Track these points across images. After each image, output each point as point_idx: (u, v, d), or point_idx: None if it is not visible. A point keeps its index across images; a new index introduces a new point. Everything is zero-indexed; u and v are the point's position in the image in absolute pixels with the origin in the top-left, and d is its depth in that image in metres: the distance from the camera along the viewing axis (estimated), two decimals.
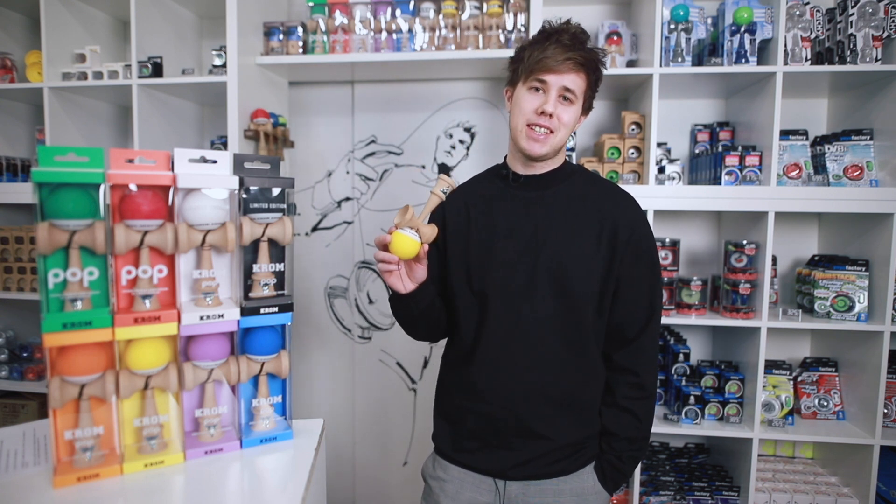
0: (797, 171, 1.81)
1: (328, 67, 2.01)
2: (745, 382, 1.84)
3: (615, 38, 1.87)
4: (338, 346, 2.36)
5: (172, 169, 0.88)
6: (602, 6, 2.10)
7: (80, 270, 0.81)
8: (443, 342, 1.27)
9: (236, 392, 0.96)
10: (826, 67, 1.71)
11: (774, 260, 2.00)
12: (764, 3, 1.76)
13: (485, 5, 1.87)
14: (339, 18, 1.91)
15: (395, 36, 1.90)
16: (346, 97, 2.28)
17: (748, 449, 1.78)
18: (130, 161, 0.85)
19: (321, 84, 2.28)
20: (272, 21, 1.99)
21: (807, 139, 1.86)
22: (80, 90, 2.05)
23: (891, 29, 1.69)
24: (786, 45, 1.73)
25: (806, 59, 1.74)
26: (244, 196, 0.92)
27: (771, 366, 1.91)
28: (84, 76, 1.95)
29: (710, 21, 1.86)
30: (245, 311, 0.93)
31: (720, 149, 1.83)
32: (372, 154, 2.29)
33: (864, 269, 1.78)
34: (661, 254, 1.88)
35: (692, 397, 1.83)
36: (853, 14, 1.71)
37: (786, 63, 1.72)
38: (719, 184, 1.79)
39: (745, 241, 1.79)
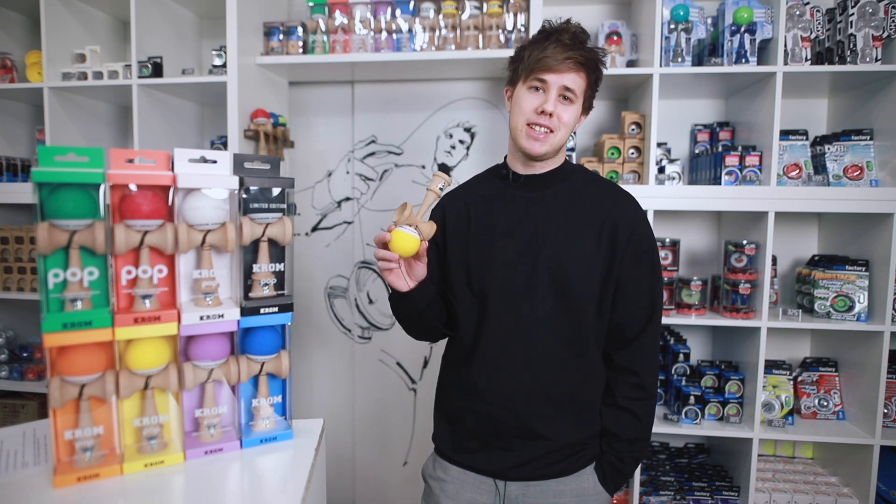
0: (797, 171, 1.81)
1: (328, 67, 2.01)
2: (745, 382, 1.84)
3: (615, 38, 1.87)
4: (338, 346, 2.36)
5: (172, 169, 0.88)
6: (602, 6, 2.10)
7: (80, 270, 0.81)
8: (443, 342, 1.27)
9: (236, 392, 0.96)
10: (826, 67, 1.71)
11: (774, 260, 2.00)
12: (764, 3, 1.76)
13: (485, 5, 1.87)
14: (339, 18, 1.91)
15: (395, 36, 1.90)
16: (346, 97, 2.28)
17: (748, 449, 1.78)
18: (130, 161, 0.85)
19: (321, 84, 2.28)
20: (272, 21, 1.99)
21: (807, 139, 1.86)
22: (80, 90, 2.05)
23: (891, 29, 1.69)
24: (786, 45, 1.73)
25: (806, 59, 1.74)
26: (244, 196, 0.92)
27: (771, 366, 1.91)
28: (84, 76, 1.95)
29: (710, 21, 1.86)
30: (245, 311, 0.92)
31: (720, 149, 1.83)
32: (372, 154, 2.29)
33: (864, 269, 1.78)
34: (661, 254, 1.88)
35: (692, 397, 1.83)
36: (853, 14, 1.71)
37: (786, 63, 1.72)
38: (719, 184, 1.79)
39: (745, 241, 1.79)
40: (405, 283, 1.07)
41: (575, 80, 1.07)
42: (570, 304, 1.10)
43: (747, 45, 1.72)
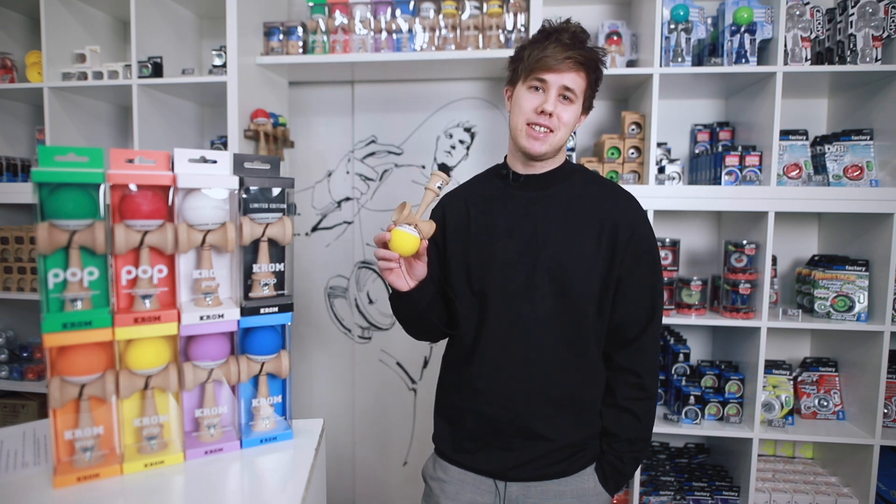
0: (797, 171, 1.81)
1: (328, 67, 2.01)
2: (745, 382, 1.84)
3: (615, 38, 1.87)
4: (338, 346, 2.36)
5: (172, 169, 0.88)
6: (602, 6, 2.10)
7: (80, 270, 0.81)
8: (443, 343, 1.27)
9: (236, 392, 0.96)
10: (826, 67, 1.71)
11: (774, 260, 2.00)
12: (764, 3, 1.76)
13: (485, 5, 1.87)
14: (339, 18, 1.91)
15: (395, 36, 1.90)
16: (346, 97, 2.28)
17: (748, 449, 1.78)
18: (130, 161, 0.85)
19: (321, 84, 2.28)
20: (272, 21, 1.99)
21: (807, 139, 1.86)
22: (80, 90, 2.05)
23: (891, 29, 1.69)
24: (786, 45, 1.73)
25: (806, 59, 1.74)
26: (244, 196, 0.92)
27: (771, 366, 1.91)
28: (84, 76, 1.95)
29: (710, 21, 1.86)
30: (245, 311, 0.92)
31: (720, 149, 1.83)
32: (372, 154, 2.29)
33: (864, 269, 1.78)
34: (661, 254, 1.88)
35: (692, 397, 1.83)
36: (853, 14, 1.71)
37: (786, 63, 1.72)
38: (719, 184, 1.79)
39: (745, 241, 1.79)
40: (405, 283, 1.07)
41: (575, 80, 1.07)
42: (570, 304, 1.10)
43: (747, 45, 1.72)
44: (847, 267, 1.79)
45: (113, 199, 0.84)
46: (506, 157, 1.21)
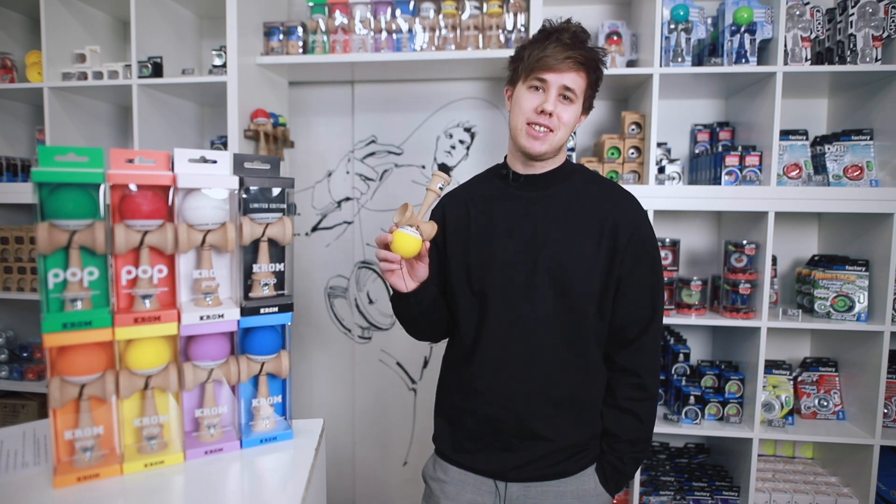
0: (797, 171, 1.81)
1: (328, 67, 2.01)
2: (745, 382, 1.84)
3: (615, 38, 1.87)
4: (338, 346, 2.36)
5: (172, 169, 0.88)
6: (602, 6, 2.10)
7: (80, 270, 0.81)
8: (443, 343, 1.27)
9: (236, 392, 0.96)
10: (826, 67, 1.71)
11: (774, 260, 2.00)
12: (764, 3, 1.76)
13: (485, 5, 1.87)
14: (339, 18, 1.91)
15: (395, 36, 1.90)
16: (346, 97, 2.28)
17: (748, 449, 1.78)
18: (130, 161, 0.85)
19: (321, 84, 2.28)
20: (272, 21, 1.99)
21: (807, 139, 1.86)
22: (80, 90, 2.05)
23: (891, 29, 1.69)
24: (786, 45, 1.73)
25: (806, 59, 1.74)
26: (244, 196, 0.92)
27: (771, 366, 1.91)
28: (84, 76, 1.95)
29: (710, 21, 1.86)
30: (245, 311, 0.92)
31: (720, 149, 1.83)
32: (372, 154, 2.29)
33: (864, 269, 1.78)
34: (661, 254, 1.87)
35: (692, 397, 1.83)
36: (853, 14, 1.71)
37: (786, 63, 1.72)
38: (719, 184, 1.79)
39: (745, 241, 1.79)
40: (406, 285, 1.07)
41: (575, 80, 1.07)
42: (570, 305, 1.09)
43: (747, 45, 1.72)
44: (847, 267, 1.79)
45: (113, 199, 0.84)
46: (506, 157, 1.21)
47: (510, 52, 1.19)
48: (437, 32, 1.89)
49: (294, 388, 1.63)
